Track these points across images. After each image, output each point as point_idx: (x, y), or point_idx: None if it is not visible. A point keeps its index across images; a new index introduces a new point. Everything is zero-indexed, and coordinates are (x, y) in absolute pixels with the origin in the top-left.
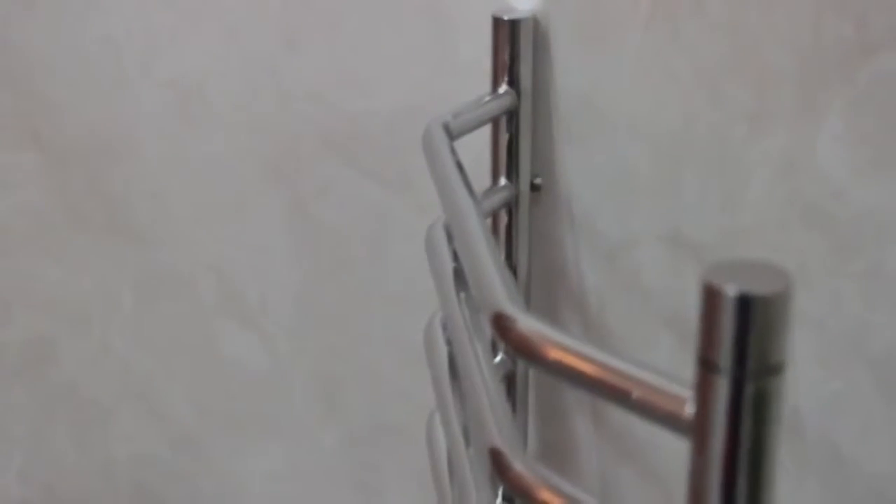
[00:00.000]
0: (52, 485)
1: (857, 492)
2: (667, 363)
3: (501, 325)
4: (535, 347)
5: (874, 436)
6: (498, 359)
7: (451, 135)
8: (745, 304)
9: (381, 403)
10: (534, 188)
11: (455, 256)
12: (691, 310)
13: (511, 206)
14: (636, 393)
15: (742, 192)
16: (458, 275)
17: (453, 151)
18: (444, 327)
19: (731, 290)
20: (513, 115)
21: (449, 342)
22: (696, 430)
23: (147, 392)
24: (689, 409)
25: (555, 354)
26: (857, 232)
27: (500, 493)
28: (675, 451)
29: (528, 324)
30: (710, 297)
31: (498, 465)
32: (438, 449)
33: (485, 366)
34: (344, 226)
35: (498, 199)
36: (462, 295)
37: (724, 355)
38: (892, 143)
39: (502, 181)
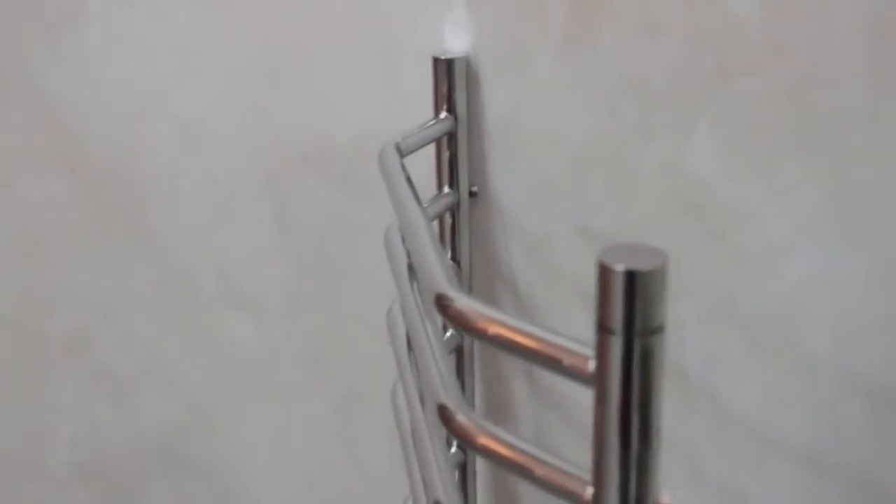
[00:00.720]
0: (95, 448)
1: (730, 424)
2: (581, 331)
3: (442, 304)
4: (470, 321)
5: (743, 381)
6: (448, 335)
7: (402, 153)
8: (631, 278)
9: (356, 372)
10: (471, 195)
11: (408, 253)
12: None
13: (454, 211)
14: (551, 355)
15: (636, 191)
16: (411, 268)
17: (403, 168)
18: (402, 311)
19: (619, 267)
20: (452, 135)
21: (406, 323)
22: (597, 382)
23: (166, 369)
24: (591, 366)
25: (485, 326)
26: (724, 221)
27: (454, 444)
28: (589, 401)
29: (463, 302)
30: (604, 273)
31: (444, 418)
32: (401, 411)
33: (434, 340)
34: (319, 227)
35: (442, 204)
36: (414, 284)
37: (616, 320)
38: (748, 148)
39: (445, 189)
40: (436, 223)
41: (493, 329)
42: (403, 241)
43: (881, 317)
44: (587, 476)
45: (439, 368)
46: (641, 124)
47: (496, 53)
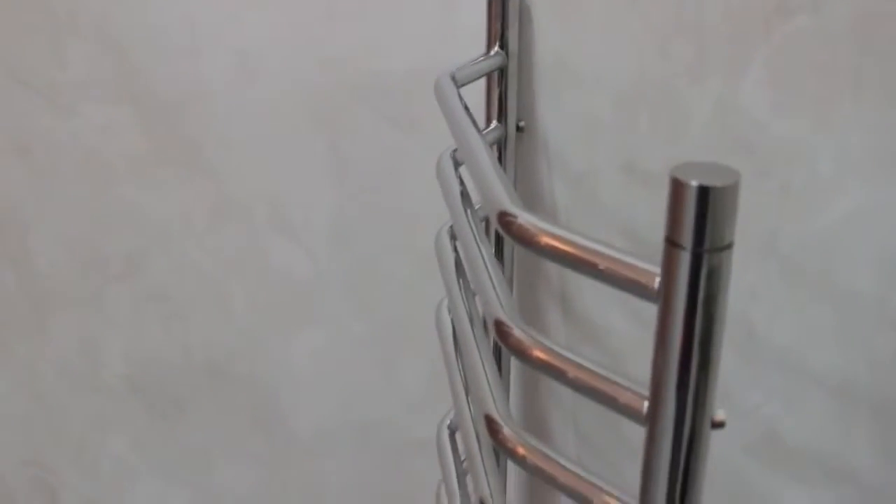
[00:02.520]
0: (147, 362)
1: (765, 360)
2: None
3: (505, 220)
4: (533, 236)
5: (780, 317)
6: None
7: (457, 83)
8: (704, 194)
9: (399, 299)
10: (519, 129)
11: (461, 181)
12: (639, 222)
13: (501, 145)
14: (617, 270)
15: (684, 129)
16: (464, 195)
17: (460, 96)
18: (452, 236)
19: (693, 182)
20: (503, 71)
21: (455, 249)
22: (664, 297)
23: (217, 293)
24: (657, 282)
25: (550, 241)
26: (772, 158)
27: (500, 366)
28: (625, 331)
29: (526, 218)
30: (677, 188)
31: (501, 333)
32: (445, 329)
33: (488, 259)
34: (369, 160)
35: (490, 138)
36: (468, 210)
37: (687, 236)
38: (801, 88)
39: (494, 124)
40: None
41: (557, 244)
42: (456, 167)
43: None
44: (644, 391)
45: (496, 287)
46: (694, 63)
47: None
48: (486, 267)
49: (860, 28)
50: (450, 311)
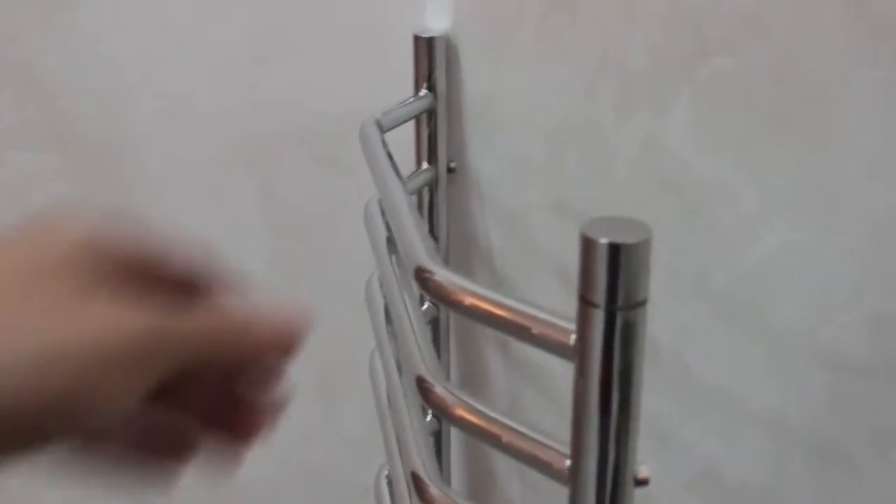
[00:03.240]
0: None
1: (699, 394)
2: (556, 305)
3: (422, 276)
4: (449, 293)
5: (713, 355)
6: (424, 307)
7: (382, 129)
8: (615, 251)
9: (338, 343)
10: (450, 170)
11: (387, 226)
12: (574, 263)
13: (432, 186)
14: (532, 328)
15: (612, 169)
16: (390, 241)
17: (384, 143)
18: (381, 283)
19: (603, 240)
20: (431, 112)
21: (384, 295)
22: (579, 355)
23: None
24: (572, 339)
25: (464, 298)
26: (699, 197)
27: (429, 413)
28: (565, 373)
29: (443, 275)
30: (588, 246)
31: (422, 390)
32: (378, 379)
33: (412, 311)
34: (303, 204)
35: (421, 179)
36: (393, 257)
37: (599, 293)
38: (726, 126)
39: (424, 165)
40: (414, 198)
41: (473, 301)
42: (383, 214)
43: (847, 290)
44: (565, 449)
45: (417, 340)
46: (619, 102)
47: (476, 32)
48: (410, 319)
49: (778, 70)
50: (380, 360)
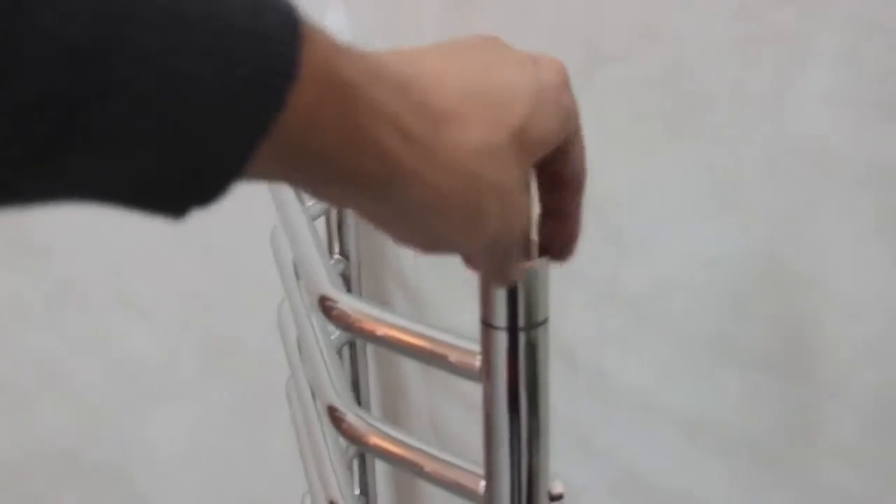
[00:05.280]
0: None
1: (617, 399)
2: (474, 317)
3: (326, 305)
4: (354, 322)
5: (629, 360)
6: (336, 334)
7: None
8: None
9: (260, 369)
10: None
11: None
12: None
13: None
14: (437, 352)
15: None
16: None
17: None
18: (291, 310)
19: None
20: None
21: (295, 321)
22: (485, 377)
23: (63, 379)
24: (478, 361)
25: (370, 326)
26: (604, 204)
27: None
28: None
29: (346, 302)
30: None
31: (335, 419)
32: (295, 407)
33: (321, 338)
34: (217, 229)
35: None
36: (301, 282)
37: (500, 317)
38: (624, 134)
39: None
40: (318, 223)
41: (379, 329)
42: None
43: (754, 286)
44: (480, 470)
45: (328, 368)
46: None
47: (373, 46)
48: (319, 346)
49: (670, 76)
50: (296, 389)
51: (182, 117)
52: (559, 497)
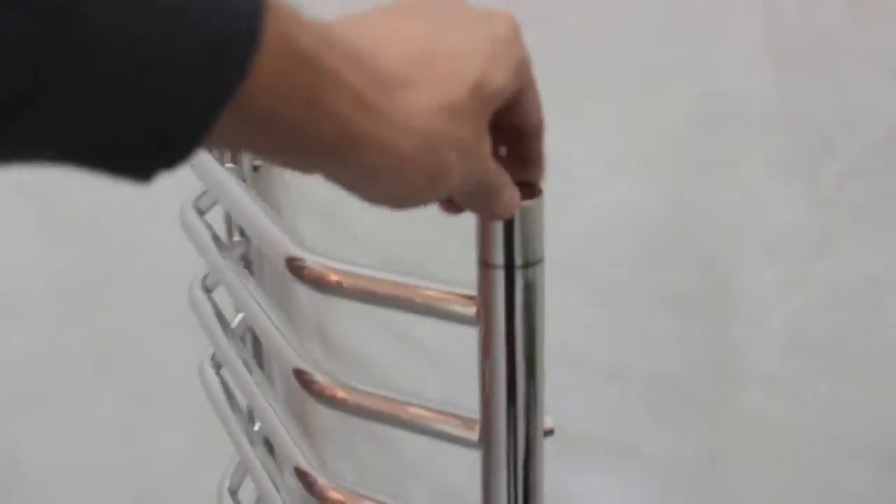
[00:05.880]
0: None
1: (546, 358)
2: None
3: (294, 266)
4: (327, 281)
5: (554, 314)
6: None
7: None
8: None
9: (148, 364)
10: (255, 169)
11: (208, 227)
12: (396, 243)
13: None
14: (433, 301)
15: None
16: (216, 239)
17: None
18: (205, 289)
19: None
20: None
21: (233, 296)
22: (484, 317)
23: None
24: (474, 305)
25: (351, 283)
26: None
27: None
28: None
29: (316, 260)
30: None
31: (303, 381)
32: (212, 386)
33: (266, 306)
34: (91, 217)
35: None
36: (225, 257)
37: (498, 255)
38: (550, 93)
39: (229, 165)
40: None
41: (361, 285)
42: (201, 214)
43: (674, 235)
44: (474, 415)
45: (281, 331)
46: None
47: None
48: (265, 311)
49: (594, 38)
50: (218, 367)
51: (148, 82)
52: (551, 432)
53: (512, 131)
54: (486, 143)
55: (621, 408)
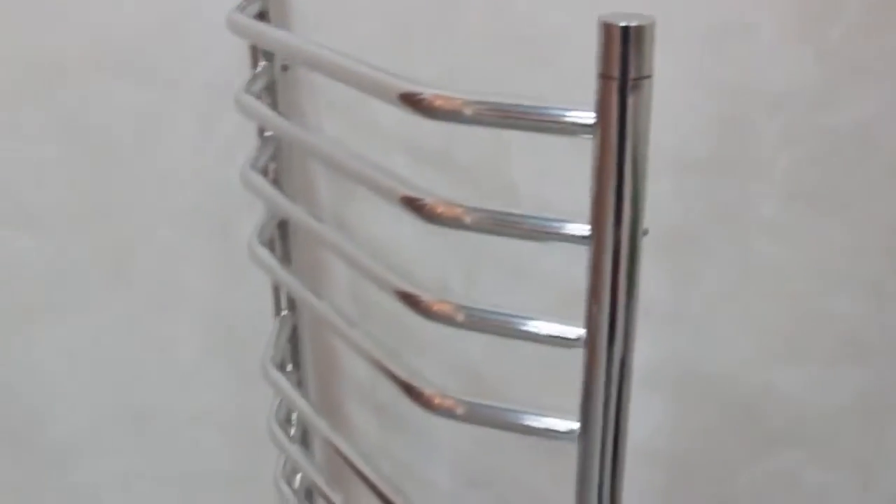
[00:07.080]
0: None
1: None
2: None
3: (412, 100)
4: (451, 107)
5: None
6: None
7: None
8: (626, 32)
9: (161, 269)
10: (284, 69)
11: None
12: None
13: (270, 86)
14: (550, 118)
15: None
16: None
17: None
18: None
19: (621, 23)
20: (264, 14)
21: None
22: (600, 125)
23: None
24: (592, 115)
25: (470, 108)
26: (550, 46)
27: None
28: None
29: (432, 92)
30: (607, 30)
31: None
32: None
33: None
34: (111, 128)
35: (263, 80)
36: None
37: (616, 67)
38: None
39: (263, 64)
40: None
41: (481, 110)
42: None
43: (686, 98)
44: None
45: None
46: None
47: None
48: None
49: None
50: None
51: None
52: (646, 231)
53: None
54: None
55: None
